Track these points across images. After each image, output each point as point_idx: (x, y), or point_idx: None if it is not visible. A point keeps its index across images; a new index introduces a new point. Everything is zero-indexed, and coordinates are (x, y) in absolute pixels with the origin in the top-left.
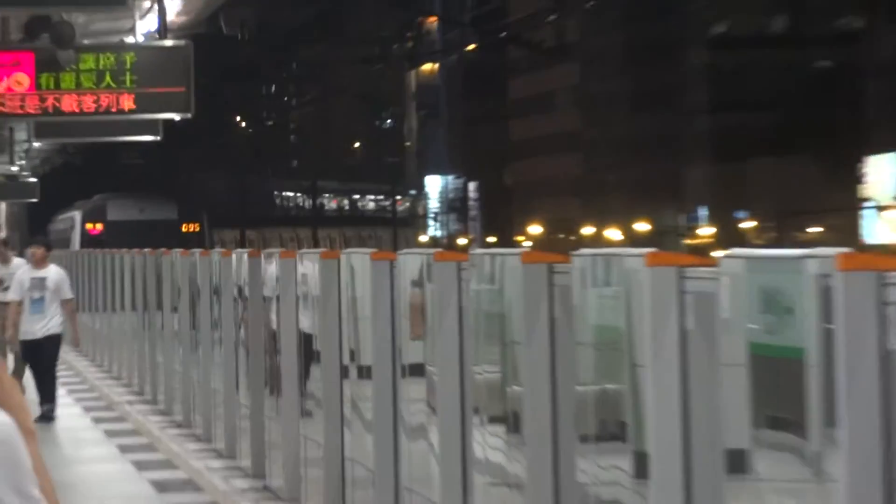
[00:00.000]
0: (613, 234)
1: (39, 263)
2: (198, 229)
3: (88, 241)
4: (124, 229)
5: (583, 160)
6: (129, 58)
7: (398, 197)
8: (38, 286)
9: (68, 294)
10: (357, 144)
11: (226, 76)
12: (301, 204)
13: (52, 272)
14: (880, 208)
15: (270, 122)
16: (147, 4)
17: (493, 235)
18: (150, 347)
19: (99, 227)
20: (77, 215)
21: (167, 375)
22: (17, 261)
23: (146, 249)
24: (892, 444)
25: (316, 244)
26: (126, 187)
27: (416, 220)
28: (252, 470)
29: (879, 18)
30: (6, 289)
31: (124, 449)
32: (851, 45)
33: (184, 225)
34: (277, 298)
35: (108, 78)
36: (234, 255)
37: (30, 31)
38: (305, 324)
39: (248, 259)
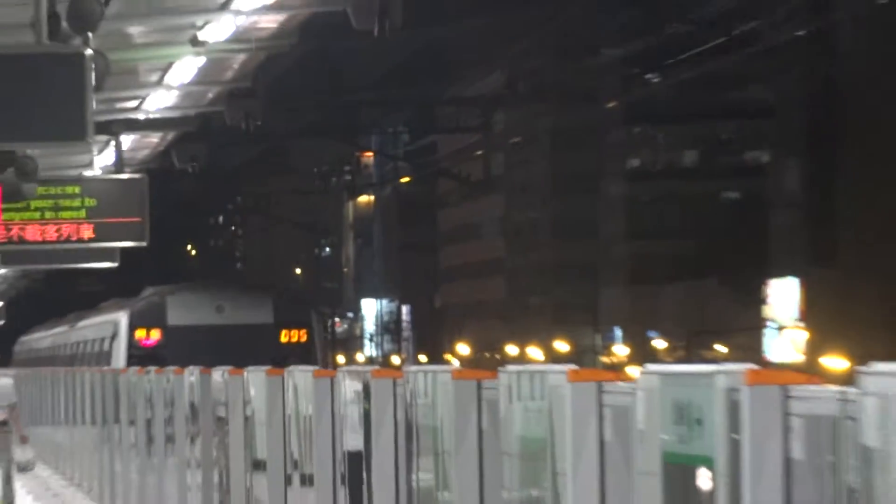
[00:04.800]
0: (535, 352)
1: None
2: (304, 338)
3: (140, 355)
4: (193, 338)
5: (507, 284)
6: (88, 190)
7: (336, 319)
8: None
9: None
10: (298, 271)
11: (176, 207)
12: None
13: None
14: (781, 328)
15: (218, 248)
16: (104, 139)
17: (425, 354)
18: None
19: (155, 334)
20: (122, 318)
21: None
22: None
23: (224, 368)
24: None
25: None
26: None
27: (353, 340)
28: None
29: (783, 153)
30: None
31: None
32: (757, 179)
33: (283, 331)
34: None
35: (69, 209)
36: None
37: None
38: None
39: (202, 377)
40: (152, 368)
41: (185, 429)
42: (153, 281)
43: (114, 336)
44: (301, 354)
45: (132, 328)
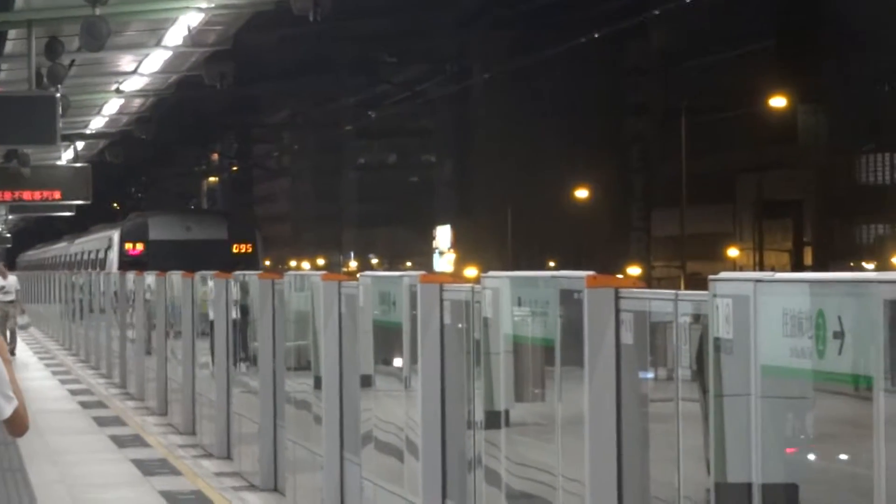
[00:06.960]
0: (306, 265)
1: None
2: (250, 250)
3: (128, 262)
4: (168, 249)
5: (291, 227)
6: (58, 172)
7: None
8: None
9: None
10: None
11: (111, 183)
12: None
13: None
14: (441, 253)
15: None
16: (66, 144)
17: None
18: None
19: (140, 247)
20: (115, 234)
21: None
22: (11, 277)
23: (208, 273)
24: (444, 377)
25: None
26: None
27: None
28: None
29: (442, 156)
30: (6, 293)
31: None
32: (428, 170)
33: (235, 245)
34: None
35: (47, 181)
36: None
37: (6, 157)
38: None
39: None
40: (133, 272)
41: (120, 306)
42: (95, 222)
43: (108, 248)
44: (248, 263)
45: (122, 242)
